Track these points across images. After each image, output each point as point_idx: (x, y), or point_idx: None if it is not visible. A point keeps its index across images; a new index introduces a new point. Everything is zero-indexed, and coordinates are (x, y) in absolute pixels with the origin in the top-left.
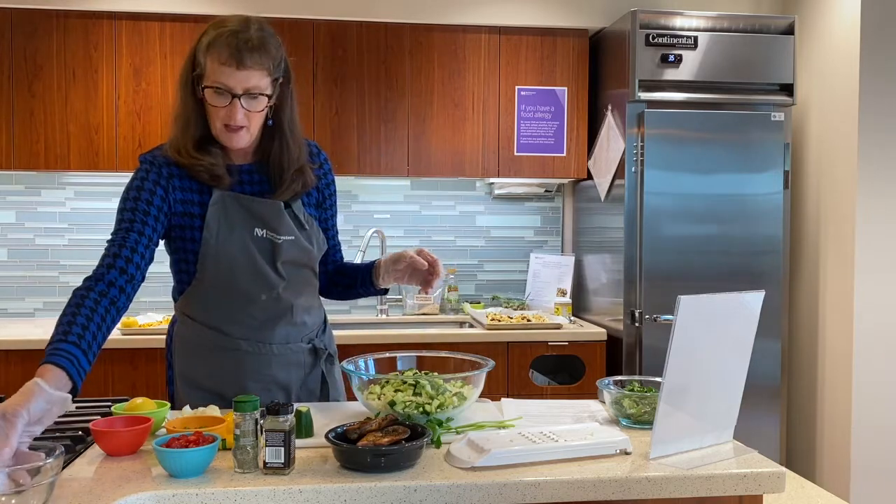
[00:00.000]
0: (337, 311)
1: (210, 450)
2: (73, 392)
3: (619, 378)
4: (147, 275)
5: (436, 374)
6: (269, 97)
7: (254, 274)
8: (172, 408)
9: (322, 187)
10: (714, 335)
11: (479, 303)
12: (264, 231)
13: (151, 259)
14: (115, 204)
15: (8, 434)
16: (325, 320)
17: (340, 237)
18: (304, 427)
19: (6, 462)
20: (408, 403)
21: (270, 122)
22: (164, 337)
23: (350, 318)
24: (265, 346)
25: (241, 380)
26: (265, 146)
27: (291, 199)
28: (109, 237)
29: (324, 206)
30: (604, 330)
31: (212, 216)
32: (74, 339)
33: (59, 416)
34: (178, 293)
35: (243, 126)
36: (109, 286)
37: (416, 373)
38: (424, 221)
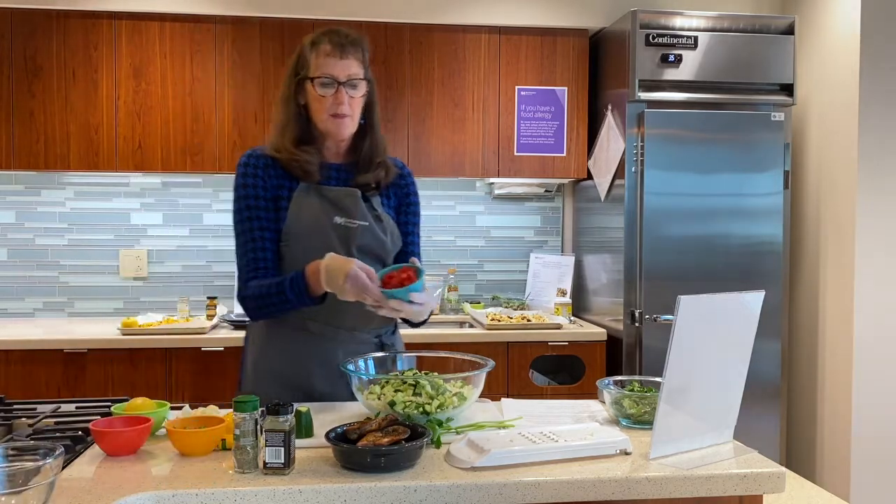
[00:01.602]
0: None
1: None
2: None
3: (619, 378)
4: (148, 275)
5: (436, 374)
6: (366, 83)
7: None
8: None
9: (402, 196)
10: (714, 335)
11: (479, 303)
12: (343, 219)
13: (278, 239)
14: (114, 204)
15: (365, 285)
16: (397, 323)
17: None
18: (304, 427)
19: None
20: (408, 403)
21: (363, 120)
22: (166, 337)
23: None
24: (332, 329)
25: (309, 364)
26: (357, 145)
27: (371, 192)
28: (238, 244)
29: (401, 213)
30: (604, 330)
31: (296, 202)
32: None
33: (59, 418)
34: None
35: (347, 115)
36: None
37: (416, 373)
38: (424, 221)
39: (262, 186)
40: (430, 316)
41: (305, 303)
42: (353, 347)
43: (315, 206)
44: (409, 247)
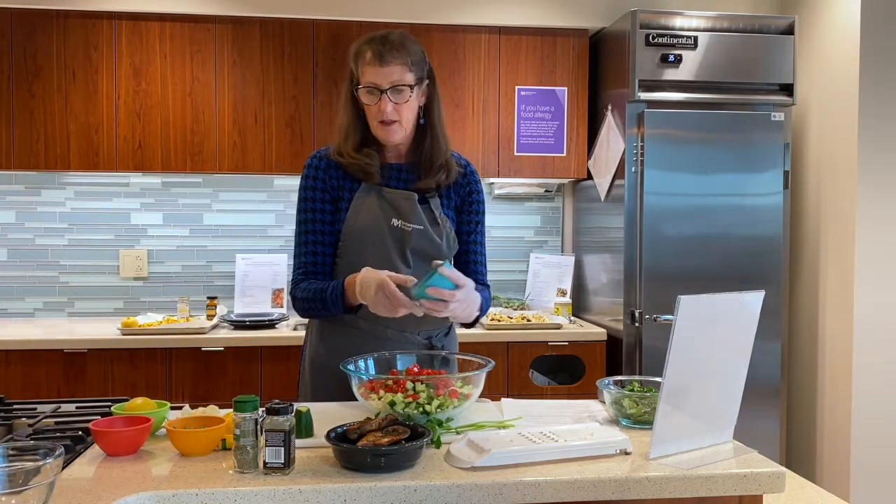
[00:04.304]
0: None
1: None
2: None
3: (619, 378)
4: (148, 275)
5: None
6: (411, 88)
7: (384, 257)
8: (298, 394)
9: (464, 194)
10: (714, 335)
11: None
12: (399, 221)
13: (335, 239)
14: (114, 204)
15: (392, 293)
16: (451, 326)
17: None
18: (304, 427)
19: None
20: (408, 403)
21: (423, 121)
22: (166, 337)
23: None
24: (381, 328)
25: None
26: (419, 145)
27: (431, 193)
28: (295, 243)
29: (463, 212)
30: (604, 330)
31: (356, 203)
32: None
33: (59, 418)
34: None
35: (395, 120)
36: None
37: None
38: None
39: (323, 188)
40: (481, 313)
41: (343, 311)
42: (400, 346)
43: (374, 207)
44: (470, 245)
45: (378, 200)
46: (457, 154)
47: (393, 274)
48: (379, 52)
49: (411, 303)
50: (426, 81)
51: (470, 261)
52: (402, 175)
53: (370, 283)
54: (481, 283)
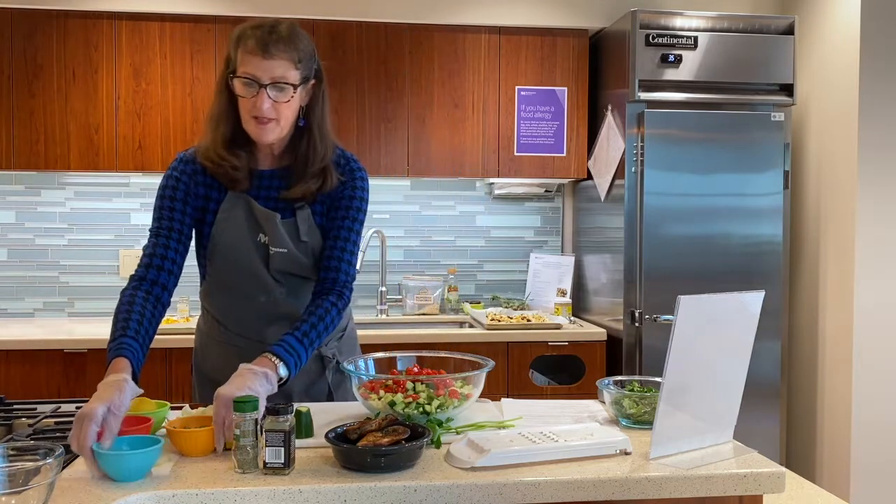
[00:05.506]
0: None
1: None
2: (135, 377)
3: (619, 378)
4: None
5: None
6: (295, 87)
7: (253, 276)
8: (190, 400)
9: (335, 193)
10: (714, 335)
11: (479, 303)
12: (266, 238)
13: (186, 248)
14: (114, 204)
15: (77, 434)
16: (346, 328)
17: None
18: (304, 427)
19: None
20: (408, 403)
21: (302, 122)
22: (165, 337)
23: None
24: (263, 345)
25: None
26: (294, 149)
27: (302, 203)
28: (149, 232)
29: (332, 208)
30: (604, 330)
31: (221, 215)
32: (132, 333)
33: (59, 418)
34: (200, 285)
35: (272, 119)
36: (152, 285)
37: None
38: (424, 221)
39: (184, 190)
40: (325, 329)
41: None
42: None
43: (240, 222)
44: (330, 241)
45: (244, 214)
46: (349, 155)
47: (115, 405)
48: (264, 42)
49: (89, 456)
50: (312, 81)
51: (328, 256)
52: (274, 183)
53: (101, 390)
54: (332, 280)
